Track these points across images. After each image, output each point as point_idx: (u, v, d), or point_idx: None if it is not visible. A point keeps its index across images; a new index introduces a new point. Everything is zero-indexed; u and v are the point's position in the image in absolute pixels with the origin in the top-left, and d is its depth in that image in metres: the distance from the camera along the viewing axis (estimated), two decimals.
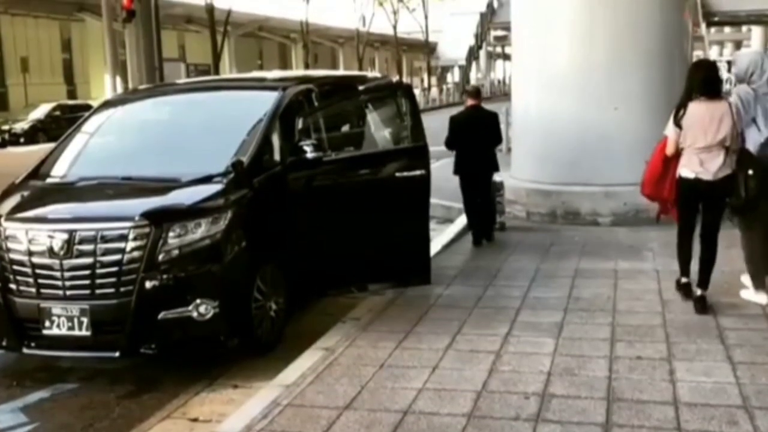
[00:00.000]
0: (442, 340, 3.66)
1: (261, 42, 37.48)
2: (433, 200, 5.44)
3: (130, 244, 3.43)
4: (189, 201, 3.62)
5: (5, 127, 19.98)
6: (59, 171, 4.22)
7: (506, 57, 51.50)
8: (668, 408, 2.85)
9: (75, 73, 28.95)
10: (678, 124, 3.78)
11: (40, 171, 4.20)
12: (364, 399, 3.01)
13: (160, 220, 3.47)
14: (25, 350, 3.56)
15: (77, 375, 3.64)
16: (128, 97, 5.55)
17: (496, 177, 6.14)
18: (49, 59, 27.66)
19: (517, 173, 7.25)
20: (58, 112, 20.09)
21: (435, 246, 5.55)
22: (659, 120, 6.68)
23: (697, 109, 3.73)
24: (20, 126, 19.89)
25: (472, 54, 42.76)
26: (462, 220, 6.54)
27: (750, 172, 3.65)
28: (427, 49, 41.38)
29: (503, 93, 37.61)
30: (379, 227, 4.28)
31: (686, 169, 3.80)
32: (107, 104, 4.95)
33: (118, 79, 17.11)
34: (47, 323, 3.46)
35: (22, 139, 19.02)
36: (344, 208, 4.18)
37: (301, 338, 3.78)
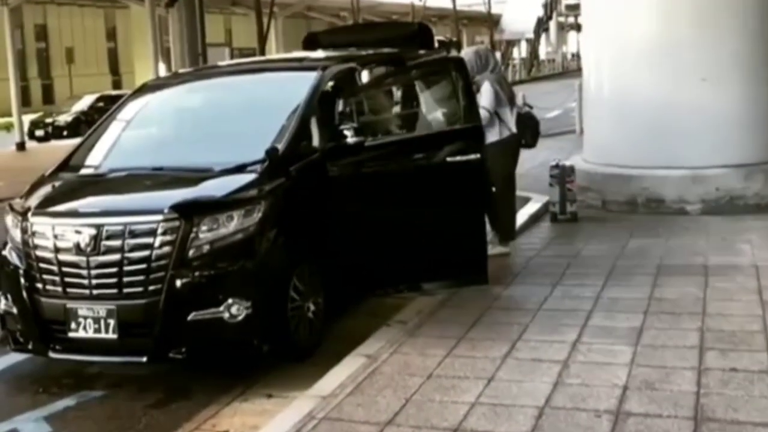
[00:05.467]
0: (499, 347, 3.51)
1: (310, 23, 37.74)
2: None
3: (159, 239, 3.42)
4: (221, 192, 3.59)
5: (48, 120, 20.94)
6: (89, 162, 4.29)
7: (579, 28, 50.05)
8: None
9: (120, 62, 30.11)
10: None
11: (70, 162, 4.26)
12: (408, 414, 2.90)
13: (190, 213, 3.45)
14: (51, 354, 3.62)
15: (105, 381, 3.68)
16: (162, 82, 5.61)
17: (567, 161, 5.89)
18: (95, 49, 28.88)
19: (591, 156, 6.95)
20: (101, 103, 20.79)
21: None
22: (755, 94, 6.33)
23: None
24: (63, 118, 20.78)
25: (541, 25, 41.69)
26: (526, 211, 6.31)
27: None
28: (490, 21, 40.62)
29: (578, 68, 36.51)
30: (429, 219, 4.14)
31: None
32: (140, 90, 5.00)
33: (163, 67, 17.59)
34: (73, 325, 3.50)
35: (65, 132, 19.84)
36: (390, 198, 4.07)
37: (341, 343, 3.70)
